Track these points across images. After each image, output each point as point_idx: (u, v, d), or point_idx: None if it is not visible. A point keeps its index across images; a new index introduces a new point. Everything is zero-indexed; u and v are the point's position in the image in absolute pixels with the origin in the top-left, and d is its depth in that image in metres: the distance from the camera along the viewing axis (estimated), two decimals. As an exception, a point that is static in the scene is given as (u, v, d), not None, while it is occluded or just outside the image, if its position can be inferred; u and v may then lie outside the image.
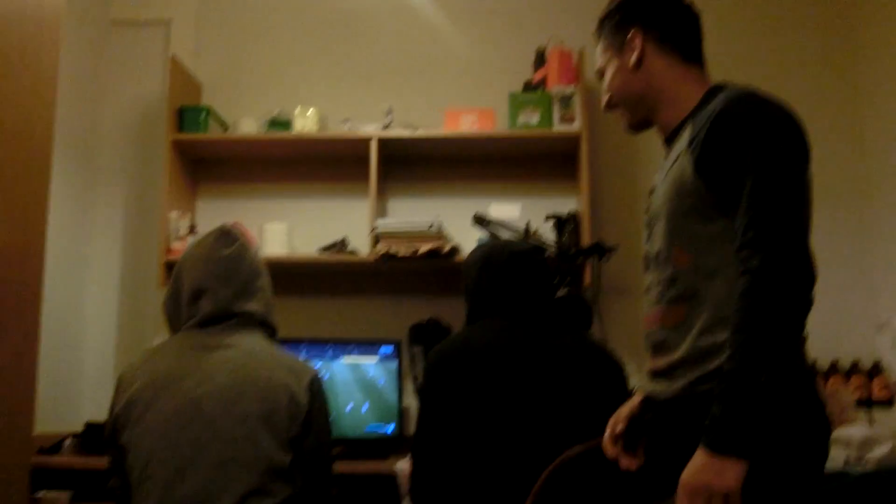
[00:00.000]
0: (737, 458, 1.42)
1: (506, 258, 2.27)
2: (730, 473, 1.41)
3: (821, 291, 1.50)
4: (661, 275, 1.69)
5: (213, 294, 2.11)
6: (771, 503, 1.49)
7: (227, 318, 2.11)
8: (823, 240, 1.56)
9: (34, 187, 2.13)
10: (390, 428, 3.29)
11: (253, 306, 2.15)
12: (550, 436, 2.05)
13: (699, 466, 1.44)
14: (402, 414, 3.34)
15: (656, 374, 1.70)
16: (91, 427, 3.17)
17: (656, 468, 1.67)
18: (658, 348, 1.69)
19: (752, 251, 1.47)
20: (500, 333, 2.18)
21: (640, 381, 1.84)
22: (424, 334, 3.30)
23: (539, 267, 2.29)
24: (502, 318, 2.23)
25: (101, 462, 2.37)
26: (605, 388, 2.14)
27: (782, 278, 1.44)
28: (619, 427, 1.84)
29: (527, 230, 3.33)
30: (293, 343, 3.24)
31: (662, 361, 1.66)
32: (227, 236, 2.17)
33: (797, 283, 1.45)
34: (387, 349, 3.38)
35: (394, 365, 3.36)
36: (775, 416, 1.44)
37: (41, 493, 2.49)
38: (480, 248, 2.38)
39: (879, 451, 2.53)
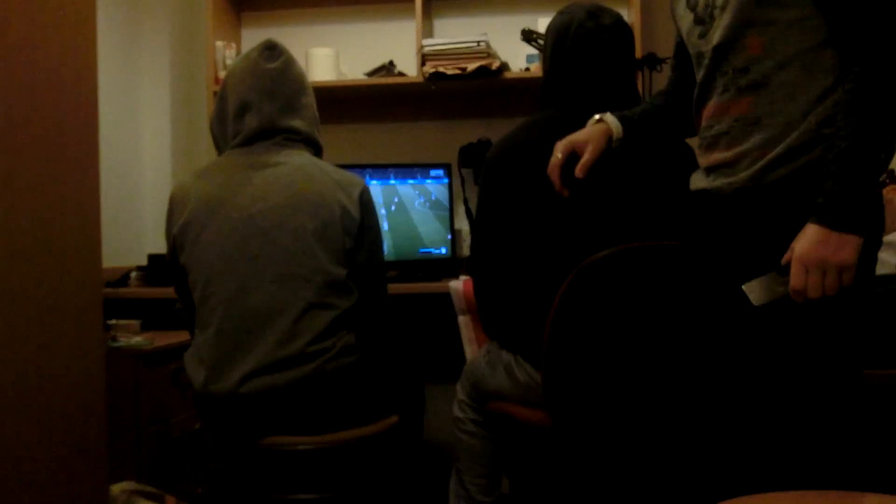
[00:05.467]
0: (854, 233, 1.46)
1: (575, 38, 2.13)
2: (848, 248, 1.46)
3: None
4: (728, 65, 1.65)
5: (258, 109, 2.11)
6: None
7: (272, 135, 2.12)
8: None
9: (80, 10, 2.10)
10: (443, 250, 3.35)
11: (298, 123, 2.15)
12: (612, 227, 2.03)
13: (816, 241, 1.47)
14: (454, 236, 3.39)
15: (716, 168, 1.69)
16: (154, 258, 3.25)
17: (724, 261, 1.69)
18: (720, 140, 1.67)
19: (866, 37, 1.47)
20: (556, 126, 2.10)
21: (694, 181, 1.81)
22: (475, 156, 3.30)
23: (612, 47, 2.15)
24: (557, 109, 2.17)
25: (166, 292, 2.45)
26: (663, 177, 2.10)
27: None
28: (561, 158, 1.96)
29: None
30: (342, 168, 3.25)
31: (728, 153, 1.65)
32: (271, 50, 2.16)
33: None
34: (438, 172, 3.39)
35: (445, 188, 3.39)
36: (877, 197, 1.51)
37: (113, 321, 2.60)
38: (561, 14, 2.19)
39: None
